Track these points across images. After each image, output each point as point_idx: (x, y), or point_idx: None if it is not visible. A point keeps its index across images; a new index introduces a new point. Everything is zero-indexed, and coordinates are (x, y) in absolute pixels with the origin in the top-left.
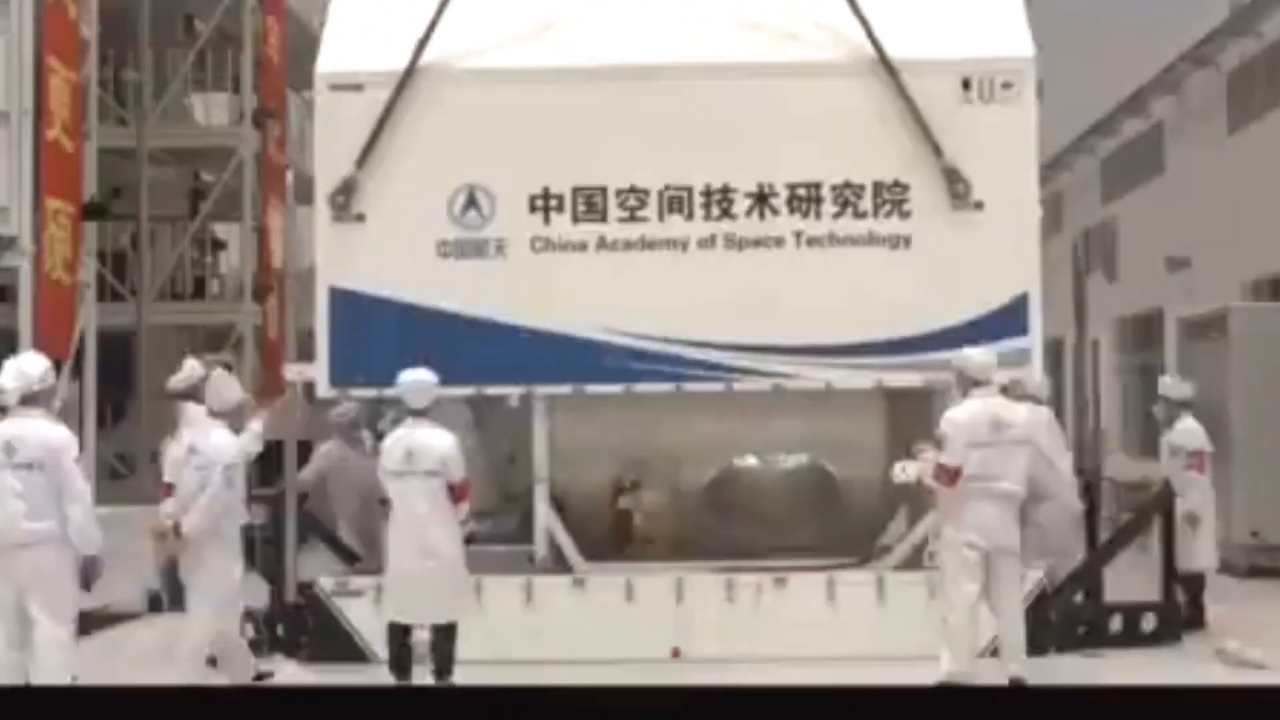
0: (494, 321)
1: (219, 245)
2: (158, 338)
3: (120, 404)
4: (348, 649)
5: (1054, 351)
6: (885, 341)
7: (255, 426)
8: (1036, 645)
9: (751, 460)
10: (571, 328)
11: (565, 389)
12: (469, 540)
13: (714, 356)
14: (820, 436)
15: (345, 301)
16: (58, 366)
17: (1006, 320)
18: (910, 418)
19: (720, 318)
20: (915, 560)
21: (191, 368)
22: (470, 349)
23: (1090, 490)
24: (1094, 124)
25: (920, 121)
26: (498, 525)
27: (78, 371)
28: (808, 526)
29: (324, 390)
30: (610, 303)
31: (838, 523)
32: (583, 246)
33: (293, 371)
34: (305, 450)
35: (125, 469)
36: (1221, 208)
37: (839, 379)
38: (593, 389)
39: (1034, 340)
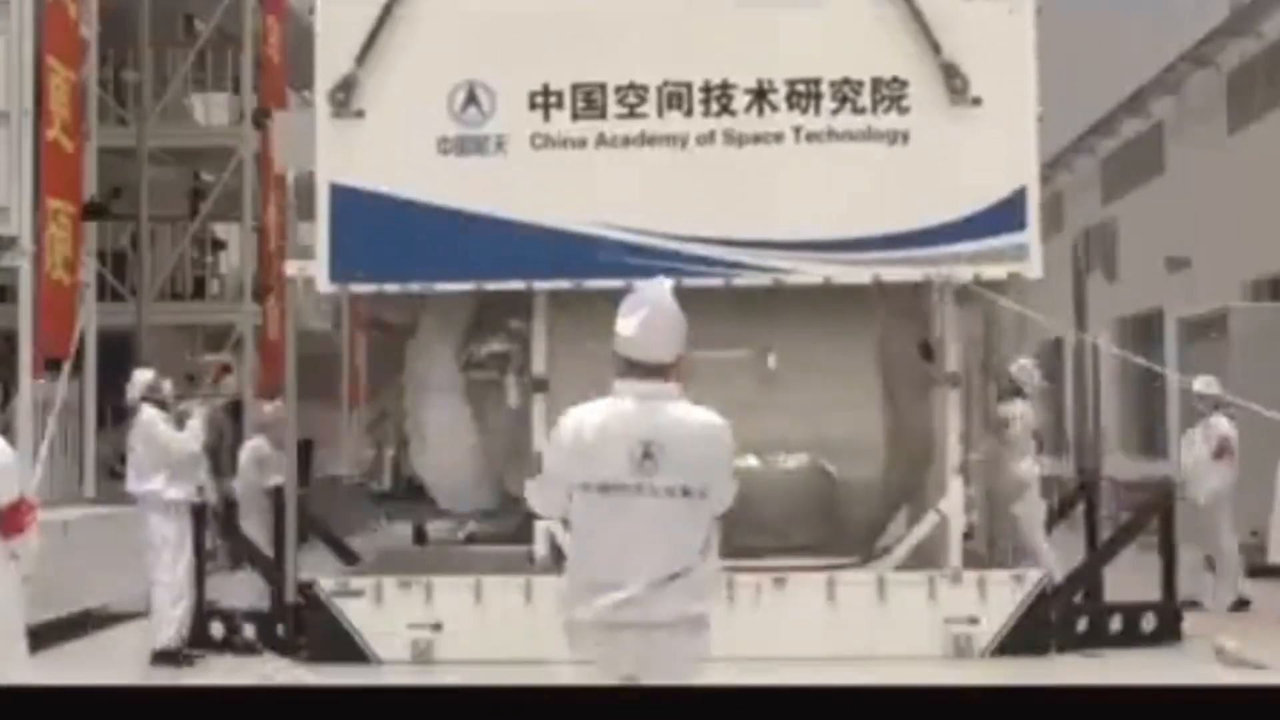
0: (494, 217)
1: (219, 245)
2: (158, 338)
3: (120, 404)
4: (348, 649)
5: (1054, 351)
6: (883, 236)
7: (195, 422)
8: (1036, 645)
9: (751, 460)
10: (571, 224)
11: (565, 284)
12: (469, 540)
13: (713, 252)
14: (820, 436)
15: (345, 197)
16: (58, 366)
17: (1004, 215)
18: (911, 417)
19: (719, 213)
20: (915, 560)
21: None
22: (470, 245)
23: (1089, 490)
24: (1094, 124)
25: (919, 17)
26: (498, 525)
27: (78, 371)
28: (808, 526)
29: (324, 286)
30: (609, 199)
31: (838, 523)
32: (582, 143)
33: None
34: (307, 448)
35: (125, 469)
36: (1221, 208)
37: (837, 274)
38: (591, 284)
39: (1032, 235)
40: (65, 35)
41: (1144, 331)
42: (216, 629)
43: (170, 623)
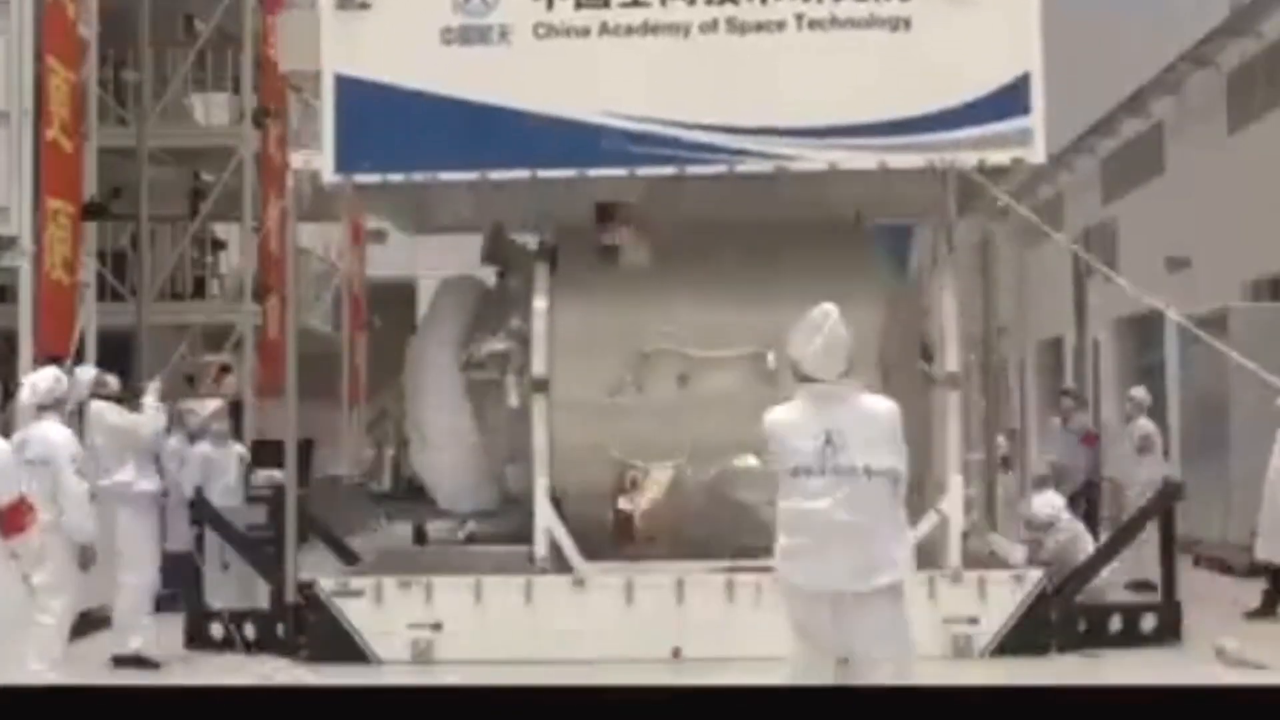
0: (498, 107)
1: (219, 245)
2: (158, 338)
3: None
4: (348, 649)
5: (1054, 351)
6: (887, 122)
7: (149, 399)
8: (1036, 645)
9: (751, 460)
10: (574, 112)
11: (569, 173)
12: (469, 540)
13: (716, 139)
14: None
15: (350, 88)
16: (57, 364)
17: (1008, 100)
18: (911, 418)
19: (722, 100)
20: (915, 560)
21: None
22: (474, 135)
23: (1090, 490)
24: (1094, 124)
25: None
26: (498, 525)
27: None
28: None
29: (329, 175)
30: (613, 87)
31: None
32: (585, 32)
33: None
34: (307, 448)
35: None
36: (1221, 208)
37: (841, 160)
38: (595, 173)
39: (1036, 120)
40: (65, 35)
41: (1144, 331)
42: (216, 629)
43: (138, 629)
